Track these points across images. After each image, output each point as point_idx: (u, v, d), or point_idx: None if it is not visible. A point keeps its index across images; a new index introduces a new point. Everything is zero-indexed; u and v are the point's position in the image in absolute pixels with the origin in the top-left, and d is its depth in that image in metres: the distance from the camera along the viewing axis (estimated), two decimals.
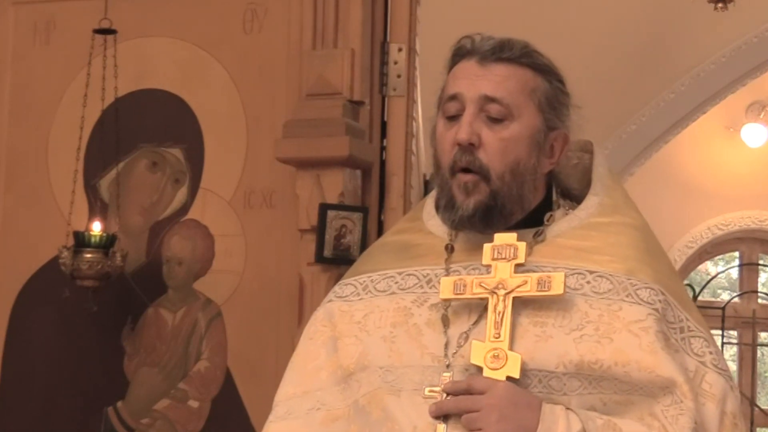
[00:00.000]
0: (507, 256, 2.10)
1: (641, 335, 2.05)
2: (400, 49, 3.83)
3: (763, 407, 8.96)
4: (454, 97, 2.16)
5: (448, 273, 2.17)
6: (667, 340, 2.07)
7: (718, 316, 8.77)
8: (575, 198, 2.26)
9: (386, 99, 3.84)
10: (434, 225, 2.25)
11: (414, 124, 3.85)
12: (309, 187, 3.72)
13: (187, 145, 4.03)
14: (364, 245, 3.64)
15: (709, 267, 9.84)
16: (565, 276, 2.07)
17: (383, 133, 3.84)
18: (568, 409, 2.02)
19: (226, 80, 3.99)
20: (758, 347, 9.26)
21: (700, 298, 8.74)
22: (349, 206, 3.68)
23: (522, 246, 2.10)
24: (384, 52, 3.84)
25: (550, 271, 2.09)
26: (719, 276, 9.95)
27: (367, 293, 2.23)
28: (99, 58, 4.00)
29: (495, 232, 2.15)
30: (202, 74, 4.03)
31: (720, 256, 9.60)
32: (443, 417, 2.04)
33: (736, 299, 9.11)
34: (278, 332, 3.83)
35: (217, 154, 4.00)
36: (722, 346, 8.92)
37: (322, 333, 2.26)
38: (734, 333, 9.09)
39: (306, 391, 2.22)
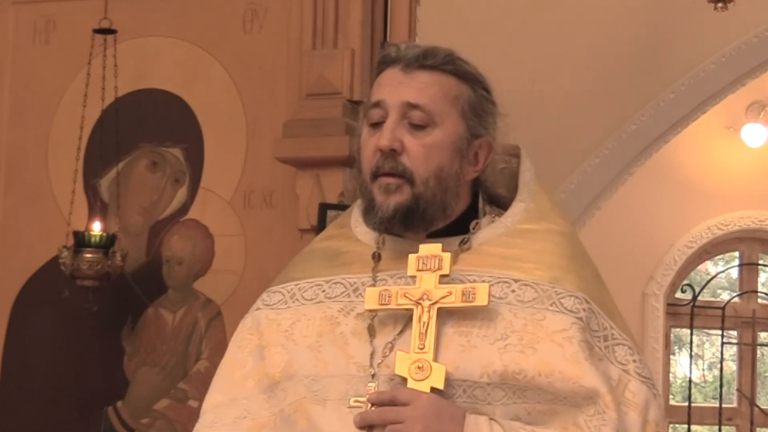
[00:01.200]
0: (432, 267, 2.09)
1: (565, 345, 2.05)
2: None
3: (763, 407, 8.96)
4: (377, 104, 2.16)
5: (374, 282, 2.15)
6: (590, 349, 2.07)
7: (718, 316, 8.76)
8: (503, 205, 2.25)
9: None
10: (361, 232, 2.24)
11: None
12: (309, 187, 3.72)
13: (187, 145, 4.04)
14: None
15: (709, 267, 9.83)
16: (490, 286, 2.07)
17: None
18: (491, 419, 2.02)
19: (226, 80, 4.00)
20: (758, 347, 9.25)
21: (700, 298, 8.73)
22: (348, 206, 3.68)
23: (447, 256, 2.09)
24: None
25: (475, 280, 2.09)
26: (719, 276, 9.94)
27: (294, 301, 2.22)
28: (99, 58, 4.01)
29: (416, 236, 2.15)
30: (202, 74, 4.03)
31: (720, 256, 9.60)
32: (368, 428, 2.03)
33: (736, 299, 9.10)
34: None
35: (217, 154, 4.00)
36: (722, 346, 8.92)
37: (249, 341, 2.24)
38: (734, 333, 9.09)
39: (233, 399, 2.21)
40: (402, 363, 2.04)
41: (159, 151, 4.07)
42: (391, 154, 2.12)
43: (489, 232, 2.18)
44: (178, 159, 4.05)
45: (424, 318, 2.06)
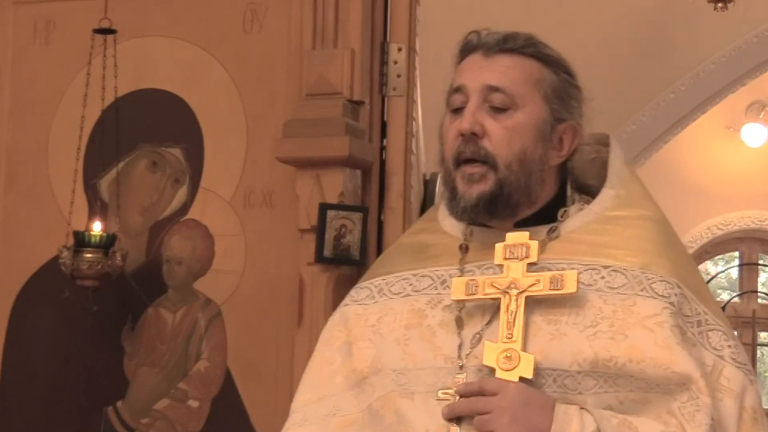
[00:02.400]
0: (519, 256, 2.07)
1: (656, 330, 2.02)
2: (400, 49, 3.83)
3: (764, 407, 8.96)
4: (458, 89, 2.15)
5: (462, 273, 2.14)
6: (683, 334, 2.04)
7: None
8: (593, 194, 2.22)
9: (386, 99, 3.84)
10: (449, 225, 2.23)
11: (414, 124, 3.85)
12: (309, 187, 3.71)
13: (187, 145, 4.03)
14: (364, 245, 3.64)
15: (709, 267, 9.84)
16: (579, 273, 2.04)
17: (383, 133, 3.84)
18: (582, 408, 1.99)
19: (226, 80, 3.99)
20: (758, 347, 9.26)
21: None
22: (349, 206, 3.68)
23: (534, 245, 2.07)
24: (384, 52, 3.84)
25: (564, 268, 2.06)
26: (719, 276, 9.95)
27: (381, 296, 2.21)
28: (99, 58, 4.00)
29: (503, 225, 2.13)
30: (202, 74, 4.03)
31: (720, 256, 9.60)
32: (456, 419, 2.01)
33: (736, 299, 9.11)
34: (278, 332, 3.83)
35: (217, 154, 3.99)
36: None
37: (337, 338, 2.24)
38: (734, 333, 9.10)
39: (321, 397, 2.20)
40: (490, 353, 2.02)
41: (159, 151, 4.07)
42: (472, 138, 2.10)
43: (578, 219, 2.16)
44: (178, 159, 4.05)
45: (512, 307, 2.05)
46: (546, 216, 2.16)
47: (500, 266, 2.09)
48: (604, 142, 2.28)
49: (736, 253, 9.37)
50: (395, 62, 3.83)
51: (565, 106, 2.16)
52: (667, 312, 2.04)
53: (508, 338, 2.02)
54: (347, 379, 2.18)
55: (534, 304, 2.05)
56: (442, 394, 2.04)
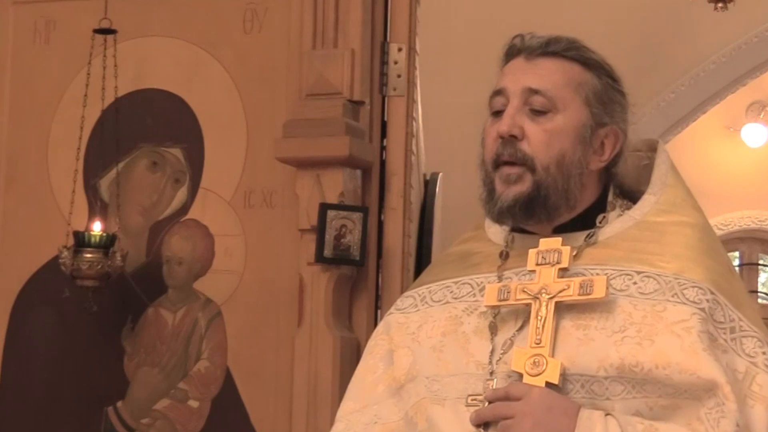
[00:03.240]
0: (551, 261, 2.07)
1: (683, 336, 2.01)
2: (400, 49, 3.83)
3: None
4: (499, 92, 2.15)
5: (500, 280, 2.14)
6: (713, 340, 2.03)
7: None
8: (634, 200, 2.22)
9: (386, 99, 3.84)
10: (494, 232, 2.24)
11: (414, 124, 3.85)
12: (309, 187, 3.71)
13: (187, 145, 4.03)
14: (364, 245, 3.64)
15: None
16: (610, 278, 2.04)
17: (383, 133, 3.84)
18: (608, 414, 1.98)
19: (226, 80, 3.99)
20: None
21: None
22: (349, 206, 3.68)
23: (566, 250, 2.07)
24: (384, 52, 3.84)
25: (597, 274, 2.06)
26: None
27: (424, 304, 2.22)
28: (99, 58, 4.00)
29: (542, 231, 2.13)
30: (202, 74, 4.03)
31: None
32: (483, 425, 2.02)
33: None
34: (278, 332, 3.83)
35: (217, 154, 3.99)
36: None
37: (381, 346, 2.25)
38: None
39: (365, 406, 2.21)
40: (519, 358, 2.03)
41: (159, 151, 4.07)
42: (511, 140, 2.10)
43: (617, 225, 2.15)
44: (178, 159, 4.05)
45: (542, 312, 2.05)
46: (586, 221, 2.16)
47: (533, 272, 2.09)
48: (654, 147, 2.28)
49: (736, 253, 9.37)
50: (395, 62, 3.83)
51: (606, 111, 2.16)
52: (696, 318, 2.03)
53: (537, 343, 2.03)
54: (388, 387, 2.19)
55: (565, 309, 2.05)
56: (471, 400, 2.05)
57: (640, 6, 6.95)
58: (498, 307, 2.10)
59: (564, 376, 2.00)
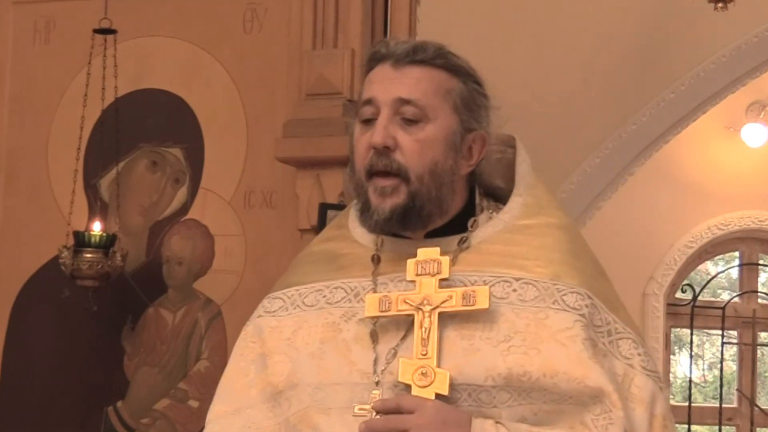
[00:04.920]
0: (431, 271, 2.07)
1: (568, 344, 2.03)
2: None
3: (763, 407, 8.95)
4: (368, 102, 2.15)
5: (375, 285, 2.14)
6: (594, 346, 2.05)
7: (718, 316, 8.76)
8: (500, 197, 2.23)
9: None
10: (360, 233, 2.22)
11: None
12: (309, 187, 3.72)
13: (187, 145, 4.04)
14: None
15: (709, 267, 9.83)
16: (491, 286, 2.05)
17: None
18: (497, 422, 2.00)
19: (226, 80, 4.00)
20: (758, 347, 9.25)
21: (700, 298, 8.73)
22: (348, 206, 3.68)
23: (446, 260, 2.07)
24: None
25: (476, 281, 2.07)
26: (719, 276, 9.94)
27: (295, 308, 2.20)
28: (99, 58, 4.01)
29: (414, 235, 2.14)
30: (202, 74, 4.03)
31: (720, 256, 9.60)
32: None
33: (736, 299, 9.10)
34: None
35: (217, 154, 4.00)
36: (722, 346, 8.91)
37: (251, 349, 2.22)
38: (734, 333, 9.08)
39: (237, 409, 2.19)
40: (405, 370, 2.02)
41: (159, 151, 4.07)
42: (385, 151, 2.11)
43: (488, 229, 2.16)
44: (178, 159, 4.05)
45: (426, 323, 2.05)
46: (457, 225, 2.16)
47: (412, 282, 2.08)
48: (509, 143, 2.28)
49: (736, 253, 9.36)
50: None
51: (474, 116, 2.15)
52: (579, 325, 2.05)
53: (423, 355, 2.02)
54: (262, 391, 2.17)
55: (447, 318, 2.06)
56: (359, 410, 2.03)
57: (640, 6, 6.94)
58: (376, 317, 2.09)
59: (452, 386, 2.01)
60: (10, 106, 4.25)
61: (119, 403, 4.01)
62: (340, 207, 3.66)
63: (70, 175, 3.99)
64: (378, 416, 2.01)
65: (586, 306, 2.08)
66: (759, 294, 9.23)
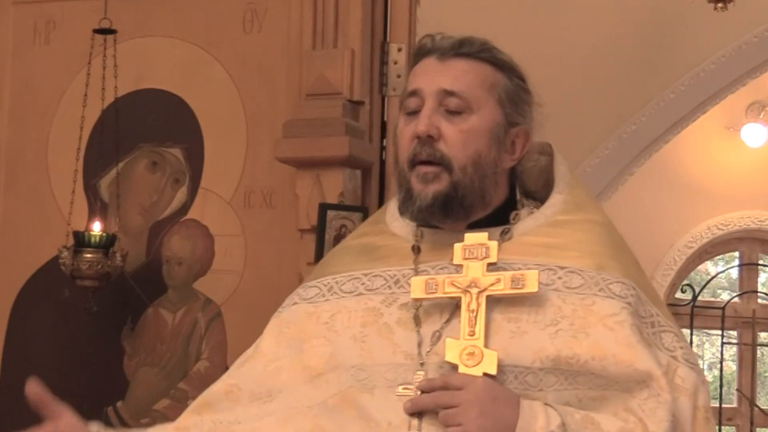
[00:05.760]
0: (478, 256, 2.10)
1: (616, 329, 2.05)
2: (400, 49, 3.84)
3: (763, 407, 8.96)
4: (413, 93, 2.17)
5: (417, 273, 2.16)
6: (640, 333, 2.08)
7: (718, 316, 8.77)
8: (536, 199, 2.26)
9: (386, 99, 3.85)
10: (398, 227, 2.25)
11: None
12: (309, 187, 3.72)
13: (187, 145, 4.04)
14: None
15: (709, 267, 9.84)
16: (538, 272, 2.07)
17: (383, 133, 3.84)
18: (546, 404, 2.02)
19: (226, 80, 4.00)
20: (758, 347, 9.26)
21: (700, 298, 8.74)
22: (348, 206, 3.68)
23: (494, 245, 2.10)
24: (384, 52, 3.84)
25: (520, 268, 2.09)
26: (719, 276, 9.95)
27: (332, 294, 2.23)
28: (99, 58, 4.00)
29: (455, 227, 2.16)
30: (202, 74, 4.03)
31: (720, 256, 9.60)
32: (417, 414, 2.03)
33: (736, 299, 9.11)
34: None
35: (217, 154, 4.00)
36: (722, 346, 8.92)
37: (285, 335, 2.25)
38: (734, 333, 9.09)
39: (269, 390, 2.21)
40: (452, 350, 2.04)
41: (159, 151, 4.07)
42: (428, 140, 2.13)
43: (529, 222, 2.19)
44: (178, 159, 4.05)
45: (473, 305, 2.07)
46: (497, 218, 2.19)
47: (459, 266, 2.11)
48: (543, 151, 2.31)
49: (736, 253, 9.37)
50: (395, 62, 3.83)
51: (518, 111, 2.19)
52: (626, 312, 2.08)
53: (470, 335, 2.04)
54: (297, 375, 2.19)
55: (493, 302, 2.08)
56: (403, 389, 2.05)
57: (640, 6, 6.95)
58: (421, 300, 2.12)
59: (498, 367, 2.03)
60: (10, 106, 4.25)
61: (119, 403, 4.01)
62: (340, 207, 3.67)
63: (70, 175, 3.99)
64: (424, 394, 2.03)
65: (632, 296, 2.10)
66: (759, 294, 9.24)
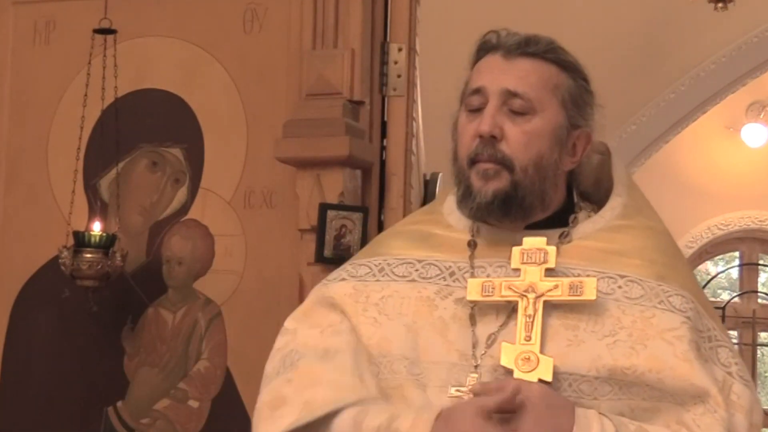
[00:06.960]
0: (537, 260, 2.08)
1: (675, 343, 2.04)
2: (400, 49, 3.83)
3: (763, 407, 8.96)
4: (477, 91, 2.15)
5: (473, 269, 2.15)
6: (698, 349, 2.06)
7: (718, 316, 8.77)
8: (589, 200, 2.25)
9: (386, 99, 3.84)
10: (455, 219, 2.23)
11: (414, 124, 3.85)
12: (309, 187, 3.71)
13: (187, 145, 4.03)
14: (364, 245, 3.63)
15: (709, 267, 9.84)
16: (597, 280, 2.05)
17: (383, 133, 3.84)
18: (600, 413, 2.00)
19: (226, 80, 3.99)
20: (758, 347, 9.26)
21: None
22: (349, 206, 3.68)
23: (552, 250, 2.08)
24: (384, 52, 3.84)
25: (579, 274, 2.08)
26: (719, 276, 9.95)
27: (383, 275, 2.21)
28: (99, 58, 4.00)
29: (513, 226, 2.14)
30: (202, 74, 4.03)
31: (720, 256, 9.61)
32: None
33: (736, 299, 9.11)
34: (278, 332, 3.82)
35: (217, 154, 3.99)
36: None
37: (335, 306, 2.23)
38: (734, 333, 9.09)
39: (326, 348, 2.20)
40: (508, 354, 2.03)
41: (159, 151, 4.07)
42: (491, 140, 2.11)
43: (588, 226, 2.17)
44: (178, 159, 4.05)
45: (530, 310, 2.05)
46: (556, 221, 2.17)
47: (516, 270, 2.10)
48: (598, 150, 2.29)
49: (736, 253, 9.37)
50: (395, 62, 3.83)
51: (580, 113, 2.18)
52: (686, 326, 2.06)
53: (527, 340, 2.03)
54: (349, 343, 2.17)
55: (551, 308, 2.06)
56: (456, 391, 2.04)
57: (641, 6, 6.95)
58: (477, 302, 2.10)
59: (553, 374, 2.01)
60: (10, 106, 4.24)
61: (119, 403, 4.00)
62: (340, 207, 3.66)
63: (70, 175, 3.99)
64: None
65: (691, 309, 2.09)
66: (759, 294, 9.24)
